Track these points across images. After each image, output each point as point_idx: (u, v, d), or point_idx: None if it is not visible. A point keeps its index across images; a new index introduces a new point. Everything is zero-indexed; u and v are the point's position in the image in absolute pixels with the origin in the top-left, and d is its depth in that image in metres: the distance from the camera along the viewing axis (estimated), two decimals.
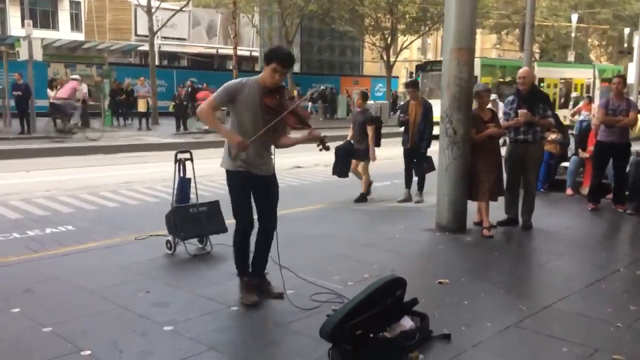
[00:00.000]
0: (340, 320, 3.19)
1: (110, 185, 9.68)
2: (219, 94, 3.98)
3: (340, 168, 8.35)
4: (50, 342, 3.52)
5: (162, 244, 5.55)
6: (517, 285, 4.78)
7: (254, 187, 4.14)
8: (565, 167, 9.02)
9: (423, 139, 7.99)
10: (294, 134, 4.30)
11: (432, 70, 21.21)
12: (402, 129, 8.25)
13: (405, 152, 8.27)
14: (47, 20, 35.80)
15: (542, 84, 23.44)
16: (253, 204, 4.19)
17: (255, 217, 4.21)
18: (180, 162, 5.55)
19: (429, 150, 8.08)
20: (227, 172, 4.15)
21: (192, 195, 5.74)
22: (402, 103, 9.48)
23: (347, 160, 8.30)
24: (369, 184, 8.47)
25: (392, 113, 27.62)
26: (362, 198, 8.30)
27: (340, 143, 8.40)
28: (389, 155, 10.92)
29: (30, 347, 3.46)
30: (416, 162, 8.20)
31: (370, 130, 8.04)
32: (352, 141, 8.32)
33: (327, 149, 4.13)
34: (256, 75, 4.11)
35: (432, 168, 7.99)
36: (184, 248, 5.42)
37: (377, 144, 8.16)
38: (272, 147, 4.19)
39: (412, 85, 8.42)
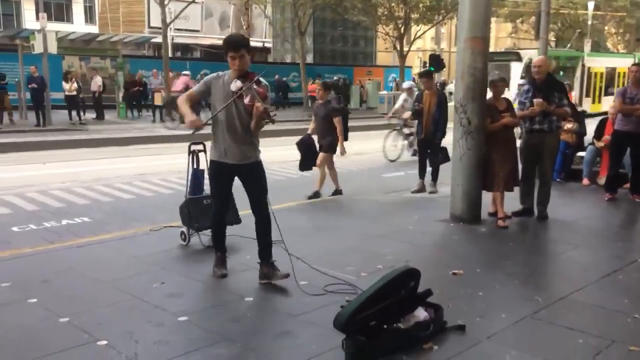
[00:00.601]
0: (354, 312, 3.19)
1: (125, 177, 9.75)
2: (198, 85, 4.39)
3: (306, 163, 7.92)
4: (67, 332, 3.56)
5: (176, 235, 5.58)
6: (533, 276, 4.74)
7: (232, 175, 4.38)
8: (582, 157, 8.91)
9: (438, 129, 7.92)
10: None
11: (497, 61, 21.25)
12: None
13: (418, 142, 8.23)
14: (62, 13, 35.93)
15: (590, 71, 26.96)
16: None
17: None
18: (193, 154, 5.56)
19: (443, 140, 8.03)
20: (209, 161, 4.50)
21: (206, 187, 5.75)
22: (417, 92, 9.31)
23: (311, 154, 7.79)
24: (323, 181, 7.88)
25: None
26: (337, 193, 7.92)
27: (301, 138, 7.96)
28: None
29: (48, 337, 3.50)
30: (431, 153, 8.14)
31: (337, 122, 7.56)
32: (312, 134, 7.87)
33: (273, 122, 4.20)
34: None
35: (447, 159, 7.92)
36: (198, 239, 5.44)
37: (345, 137, 7.69)
38: (254, 138, 4.31)
39: (426, 75, 8.36)
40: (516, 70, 23.16)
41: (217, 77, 4.28)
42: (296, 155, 8.04)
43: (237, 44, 4.16)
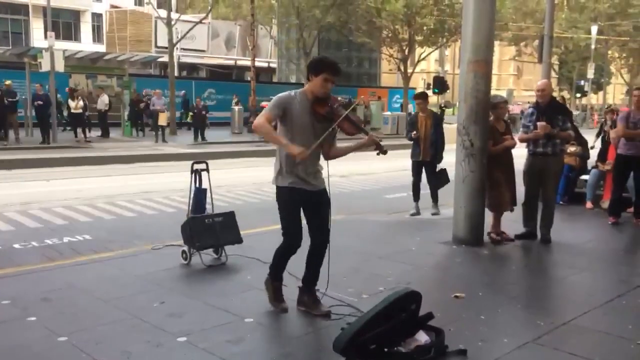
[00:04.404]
0: (354, 334, 3.16)
1: (127, 195, 9.77)
2: (271, 107, 3.92)
3: None
4: (65, 352, 3.53)
5: (177, 254, 5.57)
6: (536, 300, 4.70)
7: (305, 203, 4.09)
8: (585, 180, 8.89)
9: (437, 151, 7.90)
10: (346, 143, 4.24)
11: None
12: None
13: (414, 164, 8.07)
14: (70, 32, 36.45)
15: None
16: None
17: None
18: (196, 173, 5.57)
19: (443, 162, 8.02)
20: (278, 188, 4.09)
21: (208, 206, 5.76)
22: (411, 114, 9.17)
23: None
24: None
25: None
26: None
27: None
28: (402, 166, 10.87)
29: (46, 357, 3.48)
30: (431, 175, 8.09)
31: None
32: None
33: (385, 152, 4.07)
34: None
35: (447, 180, 7.93)
36: (199, 258, 5.43)
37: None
38: (321, 160, 4.15)
39: (421, 96, 8.14)
40: None
41: (290, 97, 3.96)
42: None
43: (338, 70, 3.96)
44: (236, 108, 25.35)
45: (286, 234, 4.11)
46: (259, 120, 3.91)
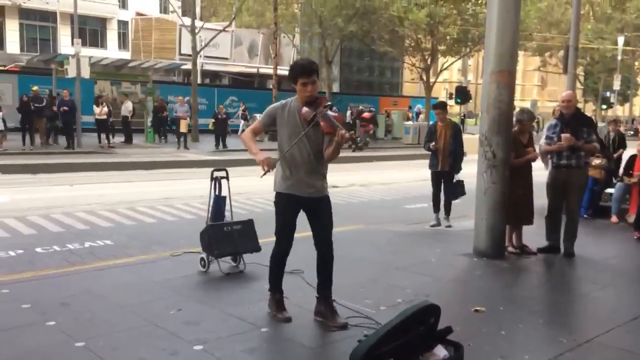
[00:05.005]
0: (372, 347, 3.11)
1: (148, 201, 9.85)
2: (262, 117, 4.13)
3: None
4: (82, 357, 3.54)
5: (196, 261, 5.58)
6: (558, 315, 4.60)
7: (303, 209, 4.13)
8: (610, 194, 8.72)
9: (456, 161, 7.81)
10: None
11: None
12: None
13: (433, 175, 7.99)
14: (96, 39, 37.09)
15: None
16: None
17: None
18: (216, 180, 5.59)
19: (461, 173, 7.94)
20: (276, 193, 4.16)
21: (227, 213, 5.76)
22: (429, 125, 9.03)
23: None
24: None
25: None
26: None
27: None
28: (423, 177, 10.78)
29: None
30: (448, 186, 7.99)
31: None
32: None
33: (360, 148, 4.02)
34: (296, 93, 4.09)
35: (463, 192, 7.86)
36: (217, 266, 5.43)
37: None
38: (324, 168, 4.13)
39: (440, 106, 8.06)
40: None
41: (282, 106, 4.06)
42: None
43: (309, 70, 3.95)
44: (257, 115, 25.48)
45: (277, 237, 4.19)
46: (248, 129, 4.16)
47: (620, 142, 10.19)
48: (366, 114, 26.03)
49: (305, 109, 3.93)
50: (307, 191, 4.07)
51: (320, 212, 4.13)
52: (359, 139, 3.97)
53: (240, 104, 27.18)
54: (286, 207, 4.10)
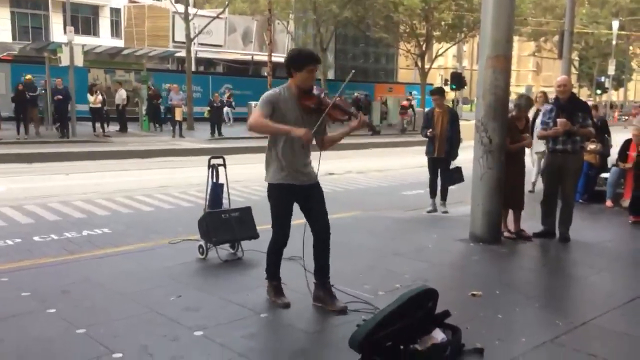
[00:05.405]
0: (370, 331, 3.15)
1: (145, 189, 9.84)
2: (262, 106, 3.95)
3: None
4: (83, 344, 3.57)
5: (194, 249, 5.60)
6: (554, 299, 4.65)
7: (297, 198, 4.14)
8: (605, 178, 8.77)
9: (452, 148, 7.82)
10: (340, 128, 4.24)
11: None
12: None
13: (430, 161, 8.00)
14: (89, 26, 36.72)
15: None
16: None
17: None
18: (213, 168, 5.59)
19: (460, 159, 7.95)
20: (270, 185, 4.12)
21: (225, 201, 5.78)
22: (426, 111, 9.02)
23: None
24: None
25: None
26: None
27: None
28: (420, 163, 10.81)
29: (64, 349, 3.52)
30: (445, 172, 7.99)
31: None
32: None
33: (378, 132, 4.06)
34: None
35: (461, 179, 7.86)
36: (215, 253, 5.45)
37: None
38: (311, 155, 4.15)
39: (438, 92, 8.05)
40: None
41: (277, 92, 3.98)
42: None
43: (318, 57, 4.02)
44: (252, 103, 25.36)
45: (273, 229, 4.18)
46: (254, 118, 3.94)
47: (603, 127, 10.17)
48: (405, 102, 27.66)
49: (309, 99, 3.92)
50: (302, 179, 4.09)
51: (314, 198, 4.15)
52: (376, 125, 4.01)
53: (225, 90, 26.64)
54: (282, 197, 4.10)
